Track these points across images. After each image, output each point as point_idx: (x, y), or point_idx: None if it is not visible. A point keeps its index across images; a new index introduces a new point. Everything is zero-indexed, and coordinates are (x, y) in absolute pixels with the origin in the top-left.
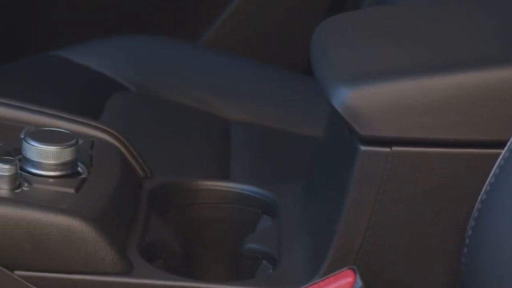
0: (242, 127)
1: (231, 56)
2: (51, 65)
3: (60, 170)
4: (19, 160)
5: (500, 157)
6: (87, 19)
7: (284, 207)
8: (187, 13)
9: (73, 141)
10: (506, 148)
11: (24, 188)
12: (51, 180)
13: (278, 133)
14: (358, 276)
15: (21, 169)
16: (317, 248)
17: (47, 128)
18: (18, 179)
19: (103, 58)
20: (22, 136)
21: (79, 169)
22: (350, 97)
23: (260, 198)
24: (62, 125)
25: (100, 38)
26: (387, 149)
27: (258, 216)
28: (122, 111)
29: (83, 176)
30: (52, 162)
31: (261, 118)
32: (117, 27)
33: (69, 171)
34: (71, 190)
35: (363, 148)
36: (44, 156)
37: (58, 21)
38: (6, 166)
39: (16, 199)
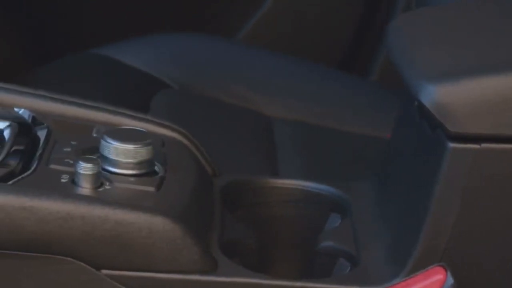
0: (285, 124)
1: (271, 52)
2: (92, 64)
3: (138, 169)
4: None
5: None
6: (122, 17)
7: (355, 204)
8: (222, 10)
9: (151, 140)
10: None
11: (106, 187)
12: (131, 178)
13: (321, 130)
14: (449, 273)
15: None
16: (400, 246)
17: (124, 127)
18: (100, 178)
19: (143, 56)
20: (95, 135)
21: (155, 168)
22: (440, 94)
23: (329, 196)
24: (131, 123)
25: (138, 36)
26: (476, 146)
27: (326, 214)
28: (167, 109)
29: (161, 174)
30: (132, 160)
31: (304, 115)
32: (153, 25)
33: (147, 170)
34: (152, 189)
35: (452, 145)
36: (124, 154)
37: (96, 19)
38: (89, 165)
39: (101, 198)
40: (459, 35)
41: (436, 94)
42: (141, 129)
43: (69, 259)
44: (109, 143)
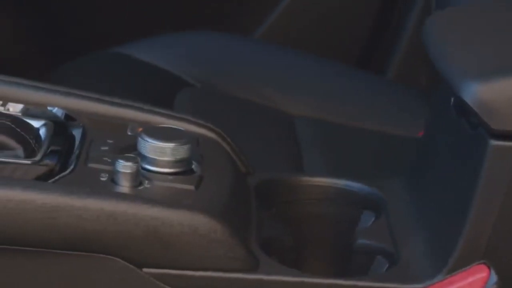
0: (306, 122)
1: (290, 50)
2: (113, 62)
3: (177, 167)
4: None
5: None
6: (141, 16)
7: (389, 202)
8: (239, 8)
9: (189, 138)
10: None
11: (146, 186)
12: (169, 177)
13: (342, 128)
14: (493, 271)
15: None
16: (440, 244)
17: (161, 126)
18: (139, 177)
19: (164, 54)
20: (130, 133)
21: (193, 166)
22: (482, 92)
23: (362, 193)
24: (164, 121)
25: (155, 35)
26: None
27: (360, 212)
28: (191, 107)
29: (199, 173)
30: (170, 159)
31: (325, 113)
32: (171, 23)
33: (185, 168)
34: (191, 187)
35: (494, 142)
36: (163, 153)
37: (115, 18)
38: (129, 164)
39: (142, 197)
40: (498, 32)
41: (479, 92)
42: (179, 128)
43: (111, 257)
44: (148, 141)
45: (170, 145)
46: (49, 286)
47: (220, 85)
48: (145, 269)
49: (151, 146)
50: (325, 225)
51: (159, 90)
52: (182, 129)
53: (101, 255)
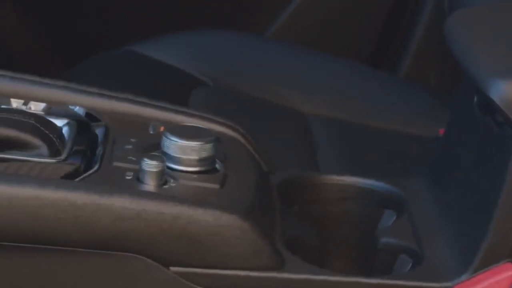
0: (321, 121)
1: (302, 48)
2: (126, 61)
3: (201, 166)
4: None
5: None
6: (154, 14)
7: (410, 201)
8: (251, 6)
9: (213, 137)
10: None
11: (171, 184)
12: (194, 176)
13: (356, 127)
14: None
15: None
16: (466, 242)
17: (184, 124)
18: (164, 175)
19: (177, 52)
20: (152, 132)
21: (216, 165)
22: (510, 90)
23: (383, 192)
24: (185, 120)
25: (169, 33)
26: None
27: (381, 211)
28: (204, 106)
29: (223, 171)
30: (195, 157)
31: (339, 112)
32: (183, 22)
33: (209, 167)
34: (216, 186)
35: None
36: (187, 151)
37: (128, 16)
38: (154, 162)
39: (169, 195)
40: None
41: (506, 90)
42: (202, 126)
43: (138, 256)
44: (172, 140)
45: (195, 143)
46: (76, 285)
47: (233, 83)
48: (172, 268)
49: (175, 145)
50: (347, 224)
51: (173, 89)
52: (205, 127)
53: (128, 254)
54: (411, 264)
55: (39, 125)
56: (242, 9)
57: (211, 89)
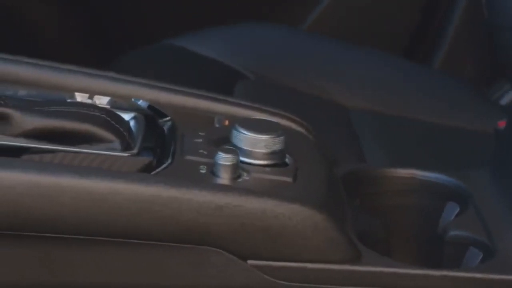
0: (363, 114)
1: (340, 42)
2: (167, 54)
3: (271, 159)
4: None
5: None
6: (191, 8)
7: (476, 193)
8: (285, 1)
9: (283, 130)
10: None
11: (245, 178)
12: (267, 169)
13: (400, 120)
14: None
15: None
16: None
17: (253, 118)
18: (238, 169)
19: (216, 46)
20: (218, 125)
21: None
22: None
23: (446, 185)
24: (248, 114)
25: (204, 27)
26: None
27: (444, 203)
28: (250, 100)
29: (293, 165)
30: (266, 151)
31: (381, 105)
32: (220, 15)
33: (279, 160)
34: (289, 179)
35: None
36: (259, 145)
37: (167, 10)
38: (229, 156)
39: (245, 188)
40: None
41: None
42: (271, 120)
43: (215, 249)
44: (244, 133)
45: (267, 137)
46: (153, 278)
47: (275, 77)
48: (249, 261)
49: (247, 138)
50: (410, 217)
51: (215, 82)
52: (275, 121)
53: (206, 247)
54: (481, 257)
55: (110, 119)
56: (275, 3)
57: (253, 83)
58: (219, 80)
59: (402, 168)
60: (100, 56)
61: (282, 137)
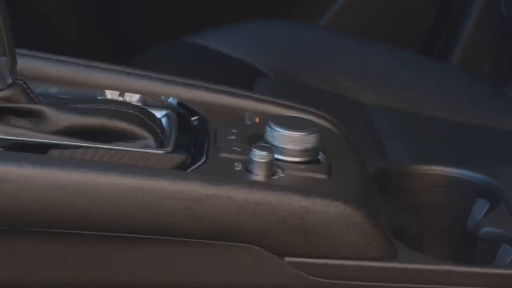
0: (382, 111)
1: (358, 39)
2: (186, 52)
3: (305, 156)
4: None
5: None
6: (209, 5)
7: (507, 190)
8: None
9: (317, 127)
10: None
11: (280, 175)
12: (301, 166)
13: (418, 116)
14: None
15: None
16: None
17: (286, 115)
18: (273, 166)
19: (235, 43)
20: (248, 122)
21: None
22: None
23: (475, 181)
24: (278, 111)
25: (222, 24)
26: None
27: (473, 200)
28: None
29: (327, 162)
30: (300, 148)
31: (400, 102)
32: (237, 13)
33: (312, 158)
34: (323, 176)
35: None
36: (293, 142)
37: (186, 7)
38: (264, 153)
39: (281, 185)
40: None
41: None
42: (303, 117)
43: (252, 246)
44: (278, 131)
45: (301, 134)
46: (189, 275)
47: (295, 74)
48: (286, 258)
49: (281, 135)
50: (442, 213)
51: (235, 80)
52: (307, 118)
53: (243, 244)
54: None
55: (143, 117)
56: (292, 1)
57: (273, 80)
58: (239, 78)
59: (430, 165)
60: (117, 54)
61: (316, 134)
